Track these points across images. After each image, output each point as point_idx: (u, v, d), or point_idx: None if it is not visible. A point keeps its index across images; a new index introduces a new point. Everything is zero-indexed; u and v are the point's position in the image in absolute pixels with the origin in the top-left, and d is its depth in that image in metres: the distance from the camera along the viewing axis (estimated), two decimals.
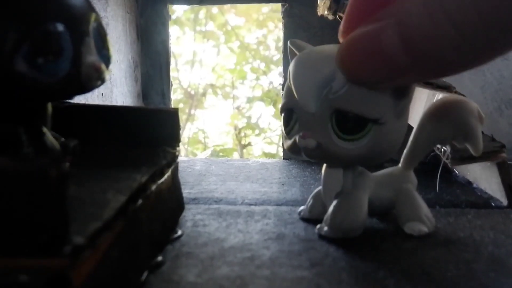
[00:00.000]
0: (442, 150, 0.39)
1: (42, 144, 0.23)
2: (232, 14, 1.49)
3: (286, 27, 0.61)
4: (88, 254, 0.17)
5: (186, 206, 0.37)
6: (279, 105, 0.29)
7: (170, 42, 0.67)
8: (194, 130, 1.53)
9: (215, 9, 1.47)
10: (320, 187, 0.32)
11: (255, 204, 0.38)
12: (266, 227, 0.32)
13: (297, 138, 0.27)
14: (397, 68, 0.20)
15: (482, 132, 0.41)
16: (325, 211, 0.31)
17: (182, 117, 1.49)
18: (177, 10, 1.44)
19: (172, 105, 0.69)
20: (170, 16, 0.67)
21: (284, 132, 0.29)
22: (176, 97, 1.49)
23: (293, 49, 0.29)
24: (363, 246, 0.29)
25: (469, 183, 0.45)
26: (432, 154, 0.44)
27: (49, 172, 0.14)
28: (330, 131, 0.26)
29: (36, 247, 0.15)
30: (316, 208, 0.33)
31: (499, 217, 0.35)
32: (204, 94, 1.53)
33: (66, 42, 0.22)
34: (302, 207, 0.35)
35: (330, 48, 0.26)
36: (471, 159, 0.37)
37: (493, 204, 0.39)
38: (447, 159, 0.38)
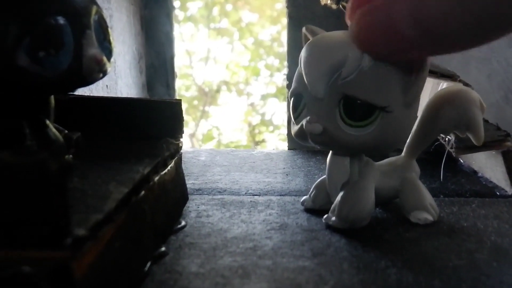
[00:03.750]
0: (447, 139, 0.39)
1: (45, 137, 0.23)
2: (246, 11, 1.49)
3: (291, 17, 0.60)
4: (90, 246, 0.17)
5: (190, 197, 0.37)
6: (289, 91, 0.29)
7: (174, 33, 0.67)
8: (208, 127, 1.53)
9: (229, 6, 1.47)
10: (323, 177, 0.33)
11: (259, 195, 0.39)
12: (269, 218, 0.32)
13: (304, 122, 0.27)
14: (407, 40, 0.20)
15: (487, 121, 0.41)
16: (329, 201, 0.32)
17: (196, 114, 1.49)
18: (191, 7, 1.44)
19: (177, 97, 0.69)
20: (174, 7, 0.67)
21: (292, 117, 0.29)
22: (190, 94, 1.49)
23: (307, 34, 0.29)
24: (366, 236, 0.29)
25: (474, 172, 0.45)
26: (436, 143, 0.44)
27: (49, 165, 0.15)
28: (337, 116, 0.26)
29: (38, 239, 0.15)
30: (319, 198, 0.33)
31: (504, 206, 0.35)
32: (218, 91, 1.53)
33: (67, 35, 0.22)
34: (305, 197, 0.35)
35: (341, 34, 0.26)
36: (475, 148, 0.37)
37: (497, 193, 0.39)
38: (451, 148, 0.38)
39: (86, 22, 0.23)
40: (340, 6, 0.45)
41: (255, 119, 1.52)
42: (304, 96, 0.27)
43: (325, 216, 0.31)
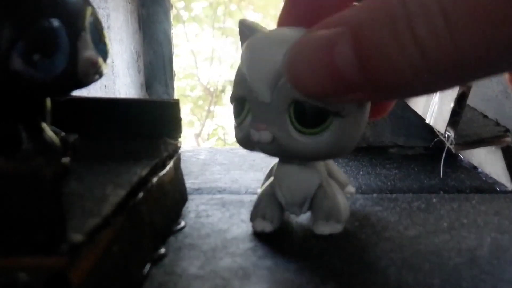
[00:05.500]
0: (446, 135, 0.38)
1: (42, 141, 0.23)
2: (250, 11, 1.49)
3: None
4: (87, 251, 0.17)
5: (190, 197, 0.37)
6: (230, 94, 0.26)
7: (172, 31, 0.67)
8: (214, 126, 1.54)
9: (233, 6, 1.47)
10: (264, 190, 0.29)
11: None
12: None
13: (251, 131, 0.24)
14: (349, 85, 0.17)
15: (487, 117, 0.41)
16: (281, 216, 0.29)
17: (202, 113, 1.49)
18: (196, 8, 1.44)
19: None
20: (172, 5, 0.67)
21: (235, 123, 0.26)
22: (195, 93, 1.49)
23: (244, 30, 0.26)
24: (366, 234, 0.29)
25: (474, 167, 0.45)
26: (436, 139, 0.44)
27: (44, 172, 0.14)
28: (288, 123, 0.23)
29: (34, 246, 0.15)
30: (276, 216, 0.29)
31: (504, 202, 0.35)
32: (223, 91, 1.53)
33: (62, 38, 0.22)
34: (256, 221, 0.29)
35: (287, 33, 0.23)
36: (475, 144, 0.37)
37: (497, 188, 0.39)
38: (451, 144, 0.38)
39: (81, 24, 0.23)
40: None
41: None
42: (248, 100, 0.24)
43: (318, 228, 0.28)
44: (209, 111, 1.50)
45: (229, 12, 1.50)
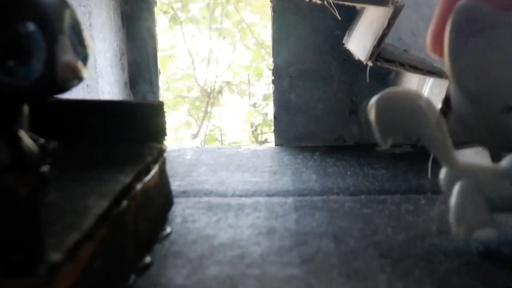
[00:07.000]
0: None
1: (19, 150, 0.22)
2: (247, 12, 1.49)
3: (275, 11, 0.59)
4: (67, 269, 0.16)
5: (176, 200, 0.36)
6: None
7: (156, 28, 0.65)
8: (211, 127, 1.54)
9: (230, 7, 1.47)
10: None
11: (246, 196, 0.38)
12: (257, 221, 0.32)
13: None
14: None
15: None
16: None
17: (199, 115, 1.49)
18: (193, 9, 1.44)
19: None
20: (156, 1, 0.65)
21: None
22: (192, 95, 1.49)
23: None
24: (355, 239, 0.28)
25: None
26: None
27: (18, 189, 0.14)
28: None
29: (10, 267, 0.14)
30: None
31: None
32: (220, 92, 1.54)
33: (39, 42, 0.21)
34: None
35: None
36: (463, 144, 0.37)
37: None
38: None
39: (59, 27, 0.22)
40: (325, 2, 0.44)
41: (258, 119, 1.53)
42: None
43: None
44: (206, 112, 1.50)
45: (226, 13, 1.49)
